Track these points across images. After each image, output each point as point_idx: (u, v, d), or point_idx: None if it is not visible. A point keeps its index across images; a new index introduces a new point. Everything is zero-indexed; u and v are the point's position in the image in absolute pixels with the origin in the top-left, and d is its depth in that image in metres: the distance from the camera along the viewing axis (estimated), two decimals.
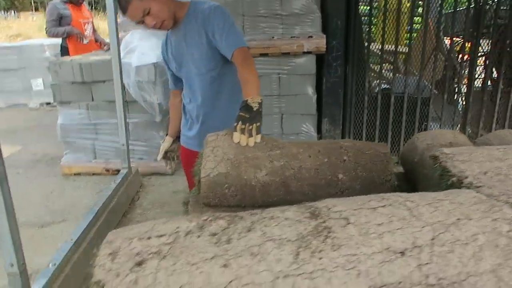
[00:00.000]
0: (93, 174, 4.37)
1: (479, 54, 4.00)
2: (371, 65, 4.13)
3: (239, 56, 1.97)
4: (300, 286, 0.72)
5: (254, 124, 1.70)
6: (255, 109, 1.76)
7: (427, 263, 0.73)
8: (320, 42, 3.73)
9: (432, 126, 4.17)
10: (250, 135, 1.69)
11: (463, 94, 4.20)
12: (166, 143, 2.42)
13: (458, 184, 1.03)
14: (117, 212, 3.47)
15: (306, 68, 3.94)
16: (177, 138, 2.48)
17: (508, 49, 3.95)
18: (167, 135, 2.52)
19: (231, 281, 0.73)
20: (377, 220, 0.82)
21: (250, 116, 1.72)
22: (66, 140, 4.23)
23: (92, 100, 4.09)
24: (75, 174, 4.35)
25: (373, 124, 4.25)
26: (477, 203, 0.83)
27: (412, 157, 1.93)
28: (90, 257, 2.57)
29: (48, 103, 7.36)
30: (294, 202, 1.59)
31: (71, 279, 2.53)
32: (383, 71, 4.11)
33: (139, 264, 0.78)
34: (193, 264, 0.76)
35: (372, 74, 4.21)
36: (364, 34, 4.13)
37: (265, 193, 1.70)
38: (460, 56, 4.16)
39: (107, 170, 4.37)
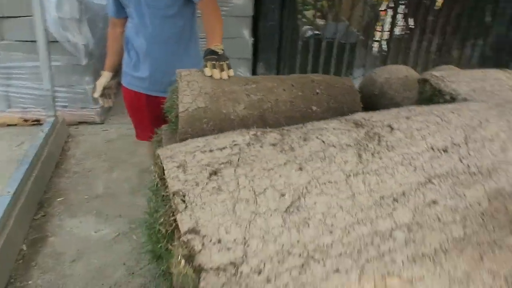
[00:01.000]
0: (8, 125, 3.89)
1: (400, 3, 4.34)
2: (304, 11, 4.22)
3: (209, 2, 1.91)
4: (370, 181, 0.80)
5: (224, 62, 1.70)
6: (220, 53, 1.75)
7: (466, 156, 0.86)
8: None
9: (356, 72, 4.50)
10: (222, 71, 1.68)
11: (385, 41, 4.57)
12: (103, 78, 2.21)
13: (452, 102, 1.19)
14: (49, 163, 3.19)
15: (244, 10, 3.88)
16: (115, 74, 2.30)
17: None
18: (103, 70, 2.31)
19: (309, 181, 0.79)
20: (416, 125, 0.93)
21: (218, 57, 1.71)
22: None
23: (2, 39, 3.55)
24: None
25: (305, 69, 4.43)
26: (489, 109, 0.99)
27: (372, 91, 2.10)
28: (32, 209, 2.37)
29: None
30: None
31: (15, 233, 2.34)
32: (315, 17, 4.24)
33: (215, 173, 0.78)
34: (269, 170, 0.79)
35: (304, 20, 4.32)
36: None
37: (244, 127, 1.73)
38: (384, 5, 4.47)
39: (26, 120, 3.92)
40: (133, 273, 2.28)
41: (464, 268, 0.67)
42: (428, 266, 0.67)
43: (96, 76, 3.51)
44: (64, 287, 2.16)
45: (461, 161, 0.86)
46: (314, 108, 1.89)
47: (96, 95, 2.24)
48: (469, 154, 0.87)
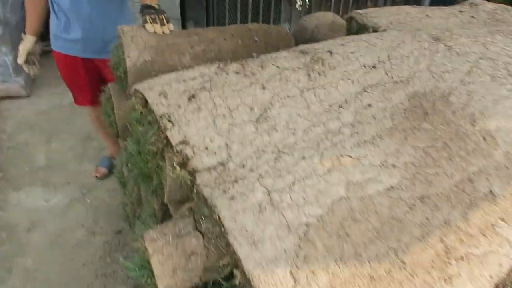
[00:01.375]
0: None
1: None
2: None
3: None
4: (320, 94, 0.99)
5: (162, 15, 1.75)
6: (156, 7, 1.79)
7: (390, 70, 1.08)
8: None
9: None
10: (162, 25, 1.73)
11: None
12: (27, 43, 2.02)
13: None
14: None
15: None
16: (38, 38, 2.19)
17: None
18: (25, 33, 2.18)
19: (272, 97, 0.95)
20: (350, 50, 1.12)
21: (155, 11, 1.75)
22: None
23: None
24: None
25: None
26: (404, 34, 1.21)
27: (304, 36, 2.30)
28: None
29: None
30: None
31: None
32: None
33: (193, 97, 0.91)
34: (238, 90, 0.94)
35: None
36: None
37: None
38: None
39: None
40: (93, 233, 2.34)
41: (394, 146, 0.89)
42: (369, 147, 0.88)
43: (14, 45, 3.29)
44: (24, 255, 2.17)
45: (386, 74, 1.07)
46: (254, 55, 2.03)
47: (20, 61, 2.08)
48: (392, 68, 1.09)
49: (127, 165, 1.78)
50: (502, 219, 0.82)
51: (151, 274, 0.72)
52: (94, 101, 2.35)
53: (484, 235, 0.78)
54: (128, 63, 1.69)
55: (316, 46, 1.15)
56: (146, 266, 0.72)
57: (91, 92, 2.33)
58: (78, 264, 2.14)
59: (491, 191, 0.85)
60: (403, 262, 0.72)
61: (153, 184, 0.94)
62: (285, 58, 1.08)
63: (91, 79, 2.30)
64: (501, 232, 0.80)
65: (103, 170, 2.75)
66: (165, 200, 0.94)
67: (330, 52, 1.10)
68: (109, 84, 2.00)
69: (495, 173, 0.88)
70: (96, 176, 2.72)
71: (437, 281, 0.71)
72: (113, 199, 2.58)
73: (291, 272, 0.68)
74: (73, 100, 2.46)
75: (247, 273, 0.67)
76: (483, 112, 0.99)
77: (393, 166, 0.85)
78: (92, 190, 2.65)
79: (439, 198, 0.82)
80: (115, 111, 1.86)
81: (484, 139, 0.94)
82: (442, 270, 0.72)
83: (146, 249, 0.72)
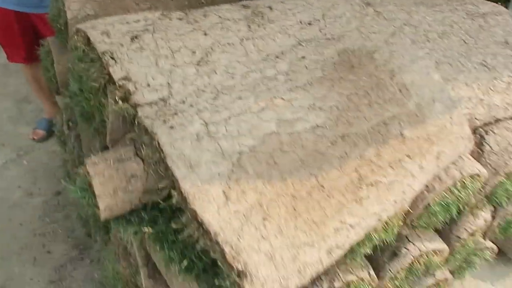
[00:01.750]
0: None
1: None
2: None
3: None
4: (258, 44, 1.07)
5: None
6: None
7: (324, 28, 1.18)
8: None
9: None
10: None
11: None
12: None
13: None
14: None
15: None
16: None
17: None
18: None
19: (213, 43, 1.01)
20: (289, 7, 1.20)
21: None
22: None
23: None
24: None
25: None
26: None
27: None
28: None
29: None
30: None
31: None
32: None
33: (135, 37, 0.95)
34: (181, 35, 0.99)
35: None
36: None
37: None
38: None
39: None
40: (31, 194, 2.28)
41: (322, 92, 0.99)
42: (300, 92, 0.98)
43: None
44: None
45: (320, 31, 1.17)
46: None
47: None
48: (326, 26, 1.18)
49: (67, 123, 1.76)
50: (408, 156, 0.95)
51: (92, 196, 0.76)
52: (29, 58, 2.25)
53: (392, 168, 0.91)
54: (69, 15, 1.64)
55: (257, 2, 1.22)
56: (87, 188, 0.76)
57: (26, 48, 2.23)
58: (15, 224, 2.09)
59: (401, 133, 0.98)
60: (322, 186, 0.82)
61: (95, 122, 0.97)
62: (228, 10, 1.13)
63: (26, 34, 2.19)
64: (406, 166, 0.94)
65: (41, 132, 2.65)
66: (107, 140, 0.98)
67: (270, 8, 1.17)
68: (48, 38, 1.93)
69: (407, 119, 1.02)
70: (34, 139, 2.62)
71: (350, 202, 0.83)
72: (52, 160, 2.51)
73: (223, 192, 0.76)
74: (5, 59, 2.33)
75: (183, 192, 0.74)
76: (401, 68, 1.12)
77: (320, 108, 0.95)
78: (29, 152, 2.56)
79: (357, 137, 0.93)
80: (55, 65, 1.81)
81: (400, 91, 1.07)
82: (354, 193, 0.84)
83: (88, 173, 0.77)
